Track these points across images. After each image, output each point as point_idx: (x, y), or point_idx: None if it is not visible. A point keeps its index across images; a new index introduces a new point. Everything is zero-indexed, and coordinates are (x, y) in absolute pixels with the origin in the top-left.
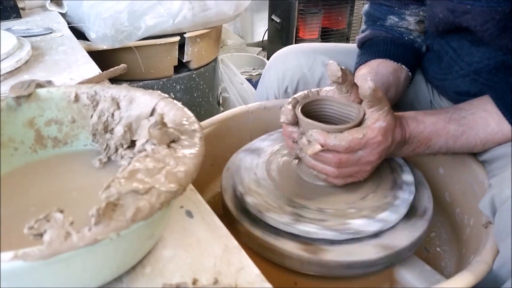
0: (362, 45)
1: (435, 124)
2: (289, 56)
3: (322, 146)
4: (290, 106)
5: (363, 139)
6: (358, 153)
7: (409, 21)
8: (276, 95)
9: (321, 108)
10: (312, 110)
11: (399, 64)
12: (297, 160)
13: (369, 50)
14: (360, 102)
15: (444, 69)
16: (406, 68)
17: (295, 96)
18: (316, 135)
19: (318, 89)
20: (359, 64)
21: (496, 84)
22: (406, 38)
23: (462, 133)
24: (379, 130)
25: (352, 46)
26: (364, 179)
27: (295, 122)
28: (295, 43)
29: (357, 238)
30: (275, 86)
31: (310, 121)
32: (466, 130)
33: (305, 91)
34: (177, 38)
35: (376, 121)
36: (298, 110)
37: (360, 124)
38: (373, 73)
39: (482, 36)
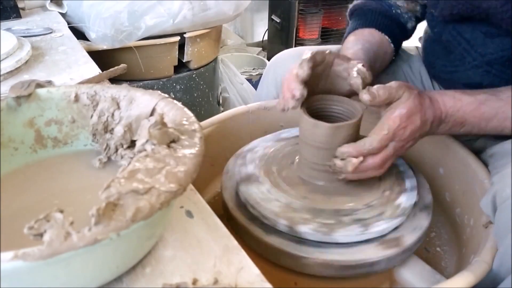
0: (352, 14)
1: (471, 104)
2: (287, 60)
3: (356, 157)
4: (309, 63)
5: (389, 133)
6: (390, 146)
7: None
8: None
9: (323, 107)
10: (314, 109)
11: (385, 35)
12: (297, 159)
13: (358, 19)
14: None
15: (454, 60)
16: (390, 41)
17: (314, 52)
18: (347, 150)
19: (336, 52)
20: (348, 32)
21: None
22: (393, 11)
23: (494, 115)
24: (400, 118)
25: None
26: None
27: (306, 80)
28: (295, 43)
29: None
30: (273, 90)
31: (313, 120)
32: (499, 113)
33: (324, 49)
34: (177, 38)
35: (395, 110)
36: (303, 108)
37: (360, 120)
38: (361, 41)
39: (501, 19)
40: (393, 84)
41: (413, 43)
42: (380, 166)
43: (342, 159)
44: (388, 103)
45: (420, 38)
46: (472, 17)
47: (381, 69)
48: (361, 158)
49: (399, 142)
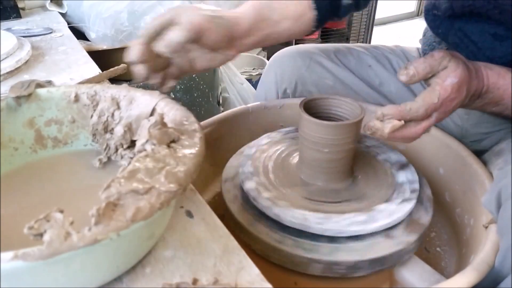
0: None
1: None
2: (286, 59)
3: (399, 120)
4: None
5: (439, 102)
6: (433, 115)
7: None
8: (275, 98)
9: (324, 106)
10: (315, 109)
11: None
12: (297, 159)
13: None
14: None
15: None
16: (315, 7)
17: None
18: (390, 111)
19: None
20: None
21: None
22: None
23: None
24: (452, 88)
25: (348, 46)
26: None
27: (144, 60)
28: (295, 43)
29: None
30: (273, 89)
31: (314, 119)
32: None
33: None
34: None
35: (447, 77)
36: (304, 108)
37: (361, 120)
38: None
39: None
40: (435, 55)
41: (414, 45)
42: (419, 135)
43: (381, 121)
44: (430, 77)
45: (420, 40)
46: (482, 14)
47: (288, 32)
48: (402, 122)
49: (441, 114)
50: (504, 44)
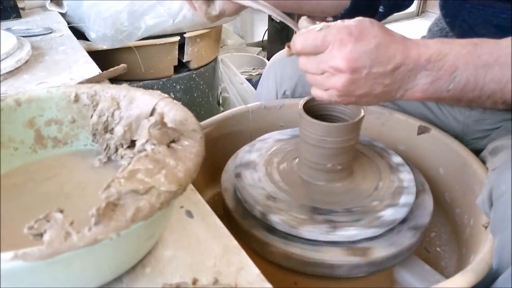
0: None
1: (463, 46)
2: (286, 60)
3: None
4: None
5: (320, 33)
6: (319, 56)
7: None
8: (275, 99)
9: (323, 107)
10: (315, 109)
11: None
12: (297, 160)
13: None
14: None
15: None
16: None
17: None
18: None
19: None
20: None
21: None
22: None
23: (495, 61)
24: (344, 28)
25: None
26: (344, 104)
27: None
28: None
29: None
30: (273, 91)
31: (313, 120)
32: (500, 57)
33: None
34: (177, 38)
35: (343, 22)
36: (303, 108)
37: (361, 121)
38: None
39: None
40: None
41: None
42: (303, 67)
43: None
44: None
45: (423, 37)
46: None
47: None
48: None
49: (330, 59)
50: (506, 36)
